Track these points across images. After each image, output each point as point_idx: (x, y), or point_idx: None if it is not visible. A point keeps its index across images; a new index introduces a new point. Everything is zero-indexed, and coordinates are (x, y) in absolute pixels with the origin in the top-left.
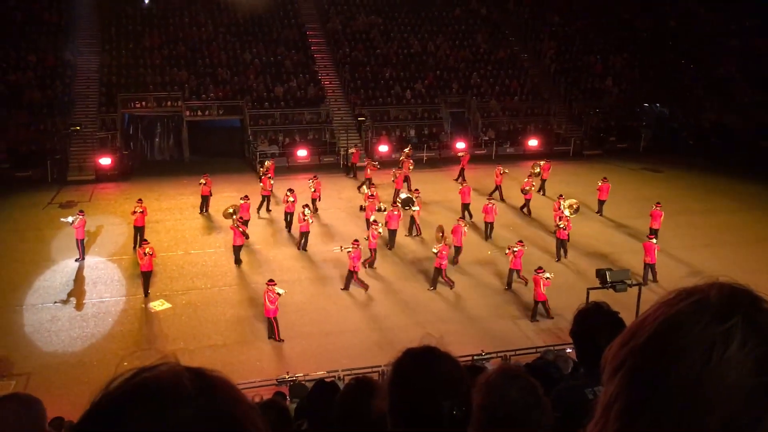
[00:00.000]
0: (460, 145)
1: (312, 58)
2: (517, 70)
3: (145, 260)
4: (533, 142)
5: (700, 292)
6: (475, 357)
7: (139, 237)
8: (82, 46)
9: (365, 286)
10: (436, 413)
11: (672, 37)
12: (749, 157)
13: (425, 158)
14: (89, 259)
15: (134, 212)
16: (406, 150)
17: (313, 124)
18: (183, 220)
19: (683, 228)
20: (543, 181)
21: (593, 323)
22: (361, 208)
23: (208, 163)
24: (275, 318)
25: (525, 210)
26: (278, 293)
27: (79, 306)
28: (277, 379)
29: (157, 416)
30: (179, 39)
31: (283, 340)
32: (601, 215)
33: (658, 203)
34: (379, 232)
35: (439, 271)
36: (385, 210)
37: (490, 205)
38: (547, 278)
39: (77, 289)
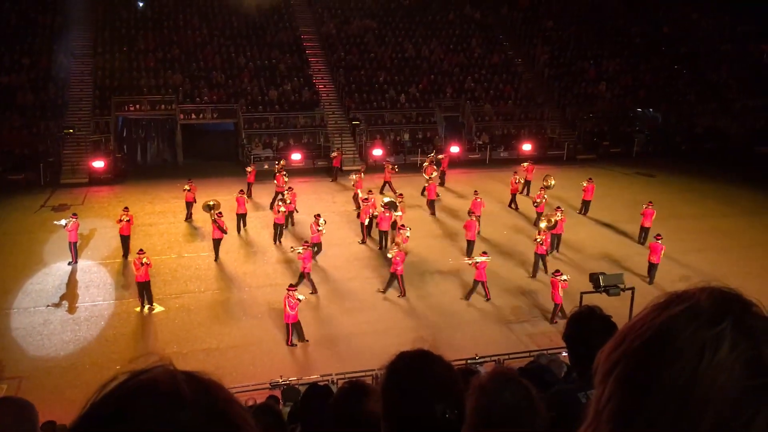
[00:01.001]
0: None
1: (306, 62)
2: (511, 75)
3: (141, 270)
4: (527, 147)
5: (690, 297)
6: (468, 361)
7: (126, 246)
8: (76, 48)
9: (314, 290)
10: (429, 416)
11: (665, 42)
12: (742, 161)
13: (419, 162)
14: (82, 263)
15: (120, 221)
16: (431, 155)
17: (307, 128)
18: (176, 223)
19: (676, 232)
20: (527, 182)
21: (586, 327)
22: (358, 215)
23: (202, 167)
24: (293, 324)
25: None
26: (298, 299)
27: (71, 309)
28: (270, 383)
29: (155, 418)
30: (173, 42)
31: (296, 345)
32: (584, 215)
33: (650, 202)
34: (407, 236)
35: (394, 276)
36: (376, 216)
37: (478, 200)
38: (564, 280)
39: (70, 293)
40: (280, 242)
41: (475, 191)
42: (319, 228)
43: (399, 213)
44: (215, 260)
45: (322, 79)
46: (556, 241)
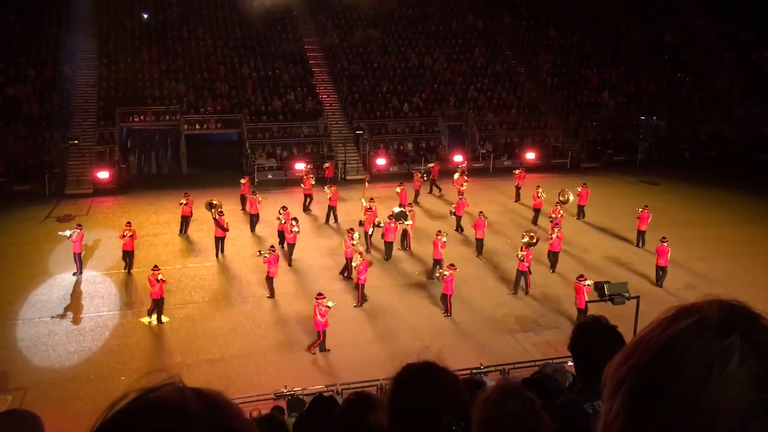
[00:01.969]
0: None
1: (310, 72)
2: (514, 84)
3: (156, 287)
4: (530, 155)
5: (699, 310)
6: (473, 371)
7: (130, 261)
8: (81, 59)
9: (271, 294)
10: (435, 428)
11: (668, 50)
12: (746, 169)
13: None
14: (86, 273)
15: (123, 236)
16: (462, 166)
17: (310, 138)
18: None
19: (680, 240)
20: (518, 188)
21: (592, 337)
22: (360, 223)
23: (206, 177)
24: (324, 331)
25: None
26: (328, 306)
27: (76, 320)
28: (275, 394)
29: None
30: (178, 53)
31: (329, 350)
32: (581, 219)
33: (646, 206)
34: (353, 244)
35: (356, 286)
36: (381, 225)
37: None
38: (588, 285)
39: (74, 303)
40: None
41: (480, 212)
42: (353, 242)
43: (409, 222)
44: (216, 257)
45: (326, 89)
46: (553, 258)
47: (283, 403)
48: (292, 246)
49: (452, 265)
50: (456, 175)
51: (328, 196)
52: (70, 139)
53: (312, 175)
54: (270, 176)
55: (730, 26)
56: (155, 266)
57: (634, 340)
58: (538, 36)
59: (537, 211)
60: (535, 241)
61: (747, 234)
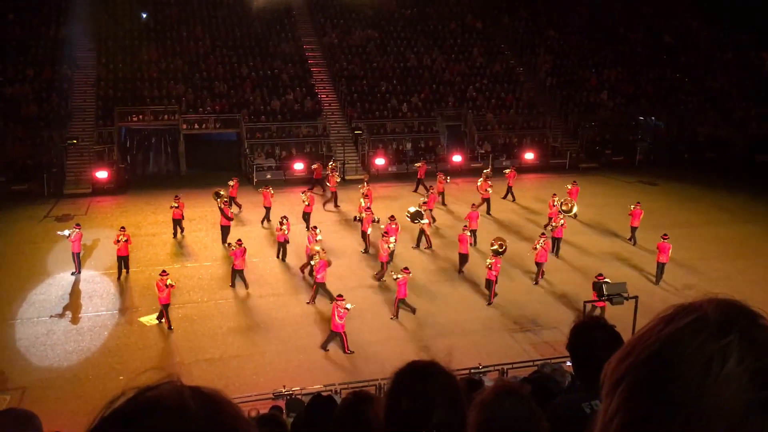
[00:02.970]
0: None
1: (309, 72)
2: (513, 84)
3: (164, 292)
4: (529, 155)
5: (697, 309)
6: (471, 370)
7: (125, 265)
8: (80, 59)
9: (232, 284)
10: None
11: (667, 51)
12: (744, 170)
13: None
14: (85, 273)
15: (118, 241)
16: (486, 171)
17: (309, 138)
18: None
19: (678, 241)
20: (509, 188)
21: (590, 337)
22: (355, 219)
23: (204, 177)
24: (344, 332)
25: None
26: (347, 308)
27: (74, 320)
28: (273, 393)
29: None
30: (176, 53)
31: (353, 352)
32: (575, 218)
33: (638, 203)
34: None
35: (319, 285)
36: (378, 221)
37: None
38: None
39: (73, 303)
40: (283, 260)
41: (473, 203)
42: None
43: (425, 221)
44: (222, 244)
45: (325, 89)
46: (539, 269)
47: (281, 403)
48: (282, 244)
49: (406, 268)
50: (480, 181)
51: (305, 203)
52: (68, 139)
53: (337, 173)
54: (269, 176)
55: (728, 27)
56: (163, 271)
57: (633, 339)
58: (536, 36)
59: (551, 219)
60: (503, 249)
61: (745, 234)
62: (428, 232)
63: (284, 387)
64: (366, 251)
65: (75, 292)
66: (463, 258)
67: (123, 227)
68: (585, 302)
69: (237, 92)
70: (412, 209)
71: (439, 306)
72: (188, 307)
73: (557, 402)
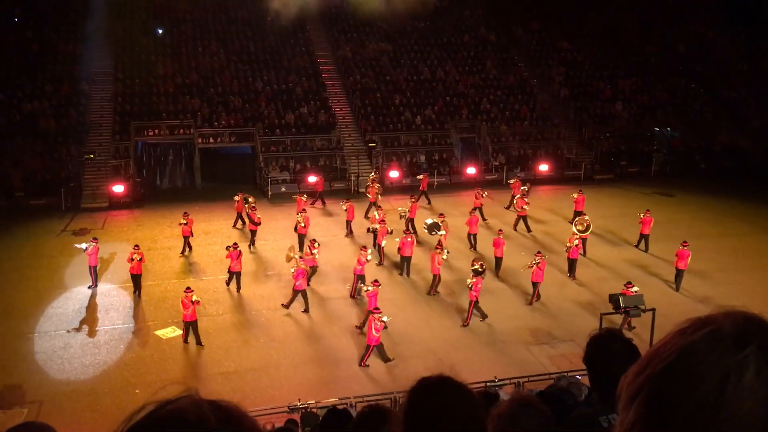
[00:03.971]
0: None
1: (323, 85)
2: (527, 95)
3: (190, 309)
4: (544, 167)
5: (714, 322)
6: (487, 383)
7: (137, 284)
8: (97, 75)
9: (228, 282)
10: None
11: (681, 61)
12: (761, 180)
13: (436, 184)
14: (102, 286)
15: (131, 259)
16: (524, 188)
17: (323, 151)
18: (195, 246)
19: (696, 252)
20: (513, 197)
21: (607, 350)
22: (368, 230)
23: (220, 190)
24: (376, 346)
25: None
26: (383, 321)
27: (91, 333)
28: (288, 407)
29: None
30: (192, 67)
31: (368, 366)
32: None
33: (648, 210)
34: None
35: (297, 292)
36: (391, 232)
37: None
38: (636, 292)
39: (90, 316)
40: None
41: (500, 230)
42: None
43: (443, 233)
44: (249, 247)
45: (339, 102)
46: (535, 289)
47: (296, 416)
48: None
49: (376, 281)
50: (517, 197)
51: (302, 224)
52: (86, 154)
53: (378, 184)
54: (283, 189)
55: (743, 36)
56: (188, 288)
57: (650, 352)
58: (550, 48)
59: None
60: (482, 270)
61: (763, 245)
62: (445, 244)
63: (299, 400)
64: (380, 263)
65: (92, 306)
66: (498, 261)
67: (137, 245)
68: (602, 314)
69: (251, 106)
70: (429, 221)
71: (455, 319)
72: (204, 321)
73: (574, 415)
